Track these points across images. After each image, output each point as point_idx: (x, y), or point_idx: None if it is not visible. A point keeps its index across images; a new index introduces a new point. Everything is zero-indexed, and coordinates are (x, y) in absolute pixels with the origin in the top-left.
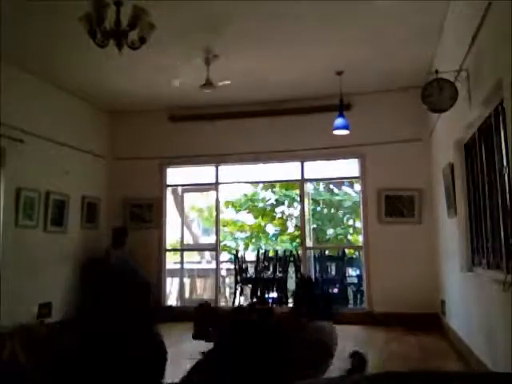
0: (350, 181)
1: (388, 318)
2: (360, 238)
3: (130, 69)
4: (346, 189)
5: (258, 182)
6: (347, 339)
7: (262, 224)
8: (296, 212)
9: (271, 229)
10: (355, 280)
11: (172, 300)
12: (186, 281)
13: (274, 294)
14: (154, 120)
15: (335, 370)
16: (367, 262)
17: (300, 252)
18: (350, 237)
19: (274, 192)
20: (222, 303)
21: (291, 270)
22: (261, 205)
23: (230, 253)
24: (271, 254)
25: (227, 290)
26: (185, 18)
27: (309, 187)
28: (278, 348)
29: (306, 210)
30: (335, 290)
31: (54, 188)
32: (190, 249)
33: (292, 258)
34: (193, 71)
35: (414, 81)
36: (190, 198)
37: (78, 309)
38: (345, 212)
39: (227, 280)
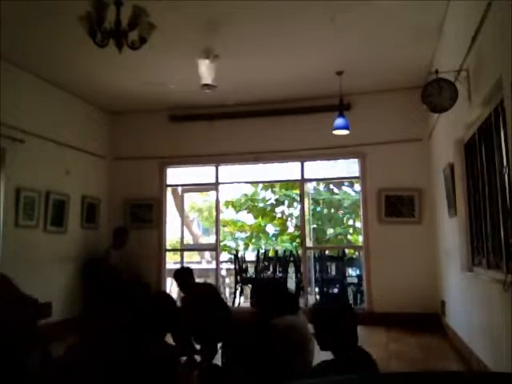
0: (350, 181)
1: (388, 318)
2: (360, 238)
3: (130, 69)
4: (345, 189)
5: (258, 182)
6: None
7: (262, 224)
8: (296, 212)
9: (271, 229)
10: (355, 280)
11: None
12: None
13: None
14: (154, 120)
15: None
16: (367, 262)
17: (300, 252)
18: (350, 237)
19: (274, 192)
20: None
21: (291, 270)
22: (261, 205)
23: (230, 253)
24: (271, 254)
25: (227, 289)
26: (185, 18)
27: (309, 187)
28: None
29: (306, 210)
30: (335, 290)
31: (54, 188)
32: (190, 249)
33: (292, 258)
34: (193, 71)
35: (414, 81)
36: (189, 198)
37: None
38: (345, 212)
39: (227, 280)
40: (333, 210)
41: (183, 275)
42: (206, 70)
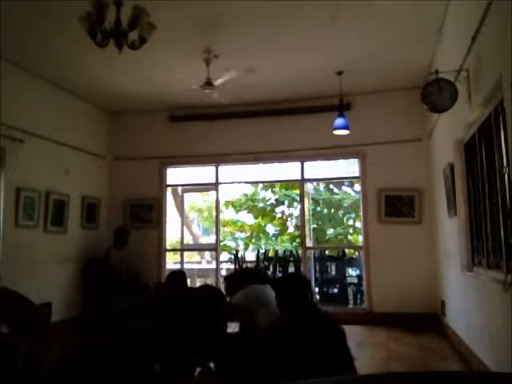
0: (350, 181)
1: (388, 318)
2: (360, 238)
3: (130, 69)
4: (346, 189)
5: (258, 182)
6: (347, 339)
7: (262, 224)
8: (296, 212)
9: (271, 229)
10: (355, 280)
11: None
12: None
13: None
14: (153, 120)
15: None
16: (367, 262)
17: (300, 252)
18: (350, 237)
19: (274, 192)
20: None
21: (291, 270)
22: (261, 205)
23: (230, 253)
24: (271, 254)
25: None
26: (185, 18)
27: (309, 187)
28: None
29: (306, 209)
30: (335, 290)
31: (54, 188)
32: (190, 249)
33: (292, 258)
34: (193, 71)
35: (414, 81)
36: (189, 198)
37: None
38: (345, 212)
39: None
40: (333, 210)
41: (176, 278)
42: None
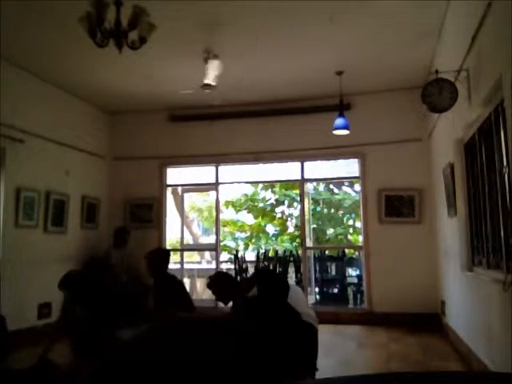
0: (350, 181)
1: (388, 317)
2: (360, 238)
3: (130, 69)
4: (346, 189)
5: (258, 182)
6: (347, 339)
7: (262, 224)
8: (296, 212)
9: (271, 229)
10: (355, 280)
11: None
12: (186, 281)
13: None
14: (153, 120)
15: None
16: (367, 262)
17: (300, 252)
18: (350, 237)
19: (274, 192)
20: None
21: (291, 269)
22: (261, 205)
23: (230, 253)
24: (271, 254)
25: None
26: (185, 18)
27: (309, 187)
28: None
29: (306, 209)
30: (335, 290)
31: (54, 188)
32: (190, 249)
33: (292, 258)
34: (193, 71)
35: (414, 81)
36: (189, 198)
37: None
38: (345, 212)
39: None
40: (333, 210)
41: (157, 257)
42: (210, 70)
